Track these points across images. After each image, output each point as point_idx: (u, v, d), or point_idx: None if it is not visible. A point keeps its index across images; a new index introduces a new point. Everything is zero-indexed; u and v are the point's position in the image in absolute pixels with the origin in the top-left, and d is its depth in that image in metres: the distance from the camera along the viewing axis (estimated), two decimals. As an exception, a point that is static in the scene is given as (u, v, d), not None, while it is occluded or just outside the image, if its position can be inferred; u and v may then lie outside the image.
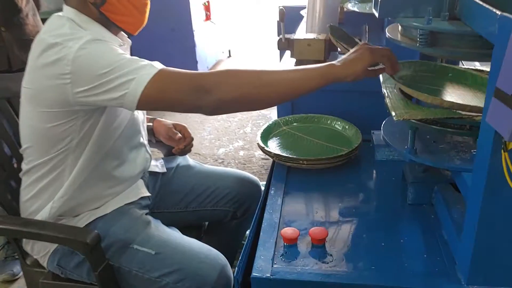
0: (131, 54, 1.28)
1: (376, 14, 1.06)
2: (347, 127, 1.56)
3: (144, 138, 1.38)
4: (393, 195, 1.29)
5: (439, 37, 0.99)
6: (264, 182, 2.28)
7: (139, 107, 1.03)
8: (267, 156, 1.55)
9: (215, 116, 3.59)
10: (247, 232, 1.73)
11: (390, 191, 1.31)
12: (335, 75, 1.03)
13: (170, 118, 1.60)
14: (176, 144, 1.48)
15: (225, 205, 1.50)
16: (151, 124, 1.51)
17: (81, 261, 1.22)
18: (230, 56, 5.17)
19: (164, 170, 1.48)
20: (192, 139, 1.51)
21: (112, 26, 1.18)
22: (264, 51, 5.28)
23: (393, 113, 1.03)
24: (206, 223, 1.64)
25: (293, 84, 1.04)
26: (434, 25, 0.96)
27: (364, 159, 1.46)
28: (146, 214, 1.31)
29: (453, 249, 1.04)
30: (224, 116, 3.59)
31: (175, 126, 1.52)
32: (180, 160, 1.56)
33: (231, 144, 3.19)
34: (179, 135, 1.48)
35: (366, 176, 1.40)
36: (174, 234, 1.28)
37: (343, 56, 1.06)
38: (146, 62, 1.04)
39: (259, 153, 3.03)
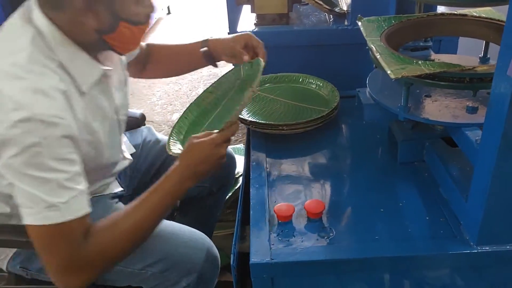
0: None
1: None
2: (321, 84, 1.45)
3: (123, 148, 1.22)
4: (382, 154, 1.23)
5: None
6: (233, 146, 2.19)
7: None
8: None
9: (164, 79, 3.39)
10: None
11: (378, 151, 1.24)
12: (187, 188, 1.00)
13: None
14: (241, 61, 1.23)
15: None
16: (206, 48, 1.26)
17: None
18: (169, 13, 4.87)
19: (133, 150, 1.33)
20: (263, 45, 1.24)
21: (101, 50, 0.97)
22: (206, 7, 5.02)
23: (389, 71, 0.94)
24: (178, 201, 1.52)
25: (156, 221, 0.99)
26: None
27: (344, 118, 1.38)
28: (117, 202, 1.17)
29: (456, 209, 1.00)
30: (173, 78, 3.39)
31: (238, 40, 1.23)
32: (146, 134, 1.41)
33: (185, 108, 3.03)
34: (246, 56, 1.20)
35: (349, 137, 1.32)
36: None
37: (190, 158, 0.99)
38: (67, 199, 0.85)
39: (215, 115, 2.89)
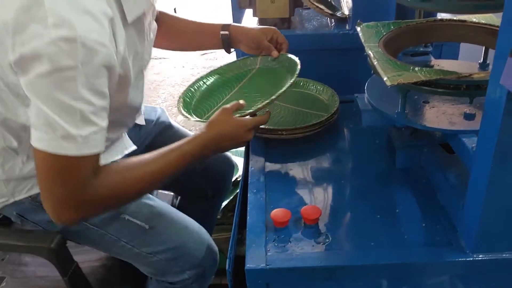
0: None
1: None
2: (321, 89, 1.46)
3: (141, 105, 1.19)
4: (380, 160, 1.22)
5: (432, -11, 0.89)
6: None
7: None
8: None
9: (169, 82, 3.41)
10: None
11: (377, 156, 1.24)
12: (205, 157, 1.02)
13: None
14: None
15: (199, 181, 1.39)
16: (226, 32, 1.27)
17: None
18: (175, 13, 4.88)
19: (143, 122, 1.30)
20: (287, 43, 1.29)
21: None
22: (212, 8, 5.03)
23: (385, 78, 0.94)
24: (177, 201, 1.53)
25: (165, 178, 0.97)
26: (428, -25, 0.86)
27: (343, 123, 1.38)
28: None
29: (453, 216, 0.99)
30: (178, 80, 3.42)
31: (266, 33, 1.27)
32: (160, 114, 1.39)
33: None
34: (276, 52, 1.26)
35: (348, 142, 1.32)
36: (166, 207, 1.15)
37: (219, 132, 1.01)
38: (87, 133, 0.82)
39: (220, 117, 2.90)
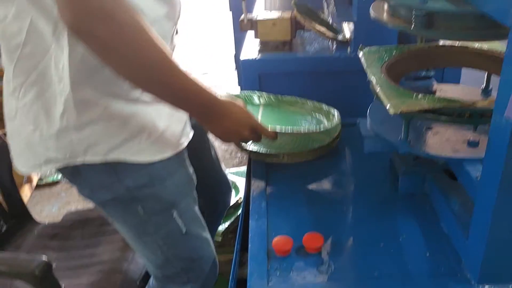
0: None
1: (362, -5, 0.94)
2: (323, 110, 1.45)
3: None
4: (383, 186, 1.21)
5: (435, 17, 0.89)
6: (230, 170, 2.18)
7: None
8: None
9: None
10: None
11: (380, 182, 1.23)
12: (203, 120, 0.96)
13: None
14: None
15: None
16: None
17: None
18: (177, 33, 4.91)
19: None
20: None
21: None
22: (214, 27, 5.07)
23: (388, 105, 0.93)
24: None
25: (169, 84, 0.85)
26: (431, 4, 0.86)
27: (345, 148, 1.37)
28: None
29: (458, 246, 0.98)
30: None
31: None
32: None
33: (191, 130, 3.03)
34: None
35: (351, 167, 1.31)
36: (198, 211, 1.11)
37: (229, 106, 0.98)
38: None
39: (220, 136, 2.90)
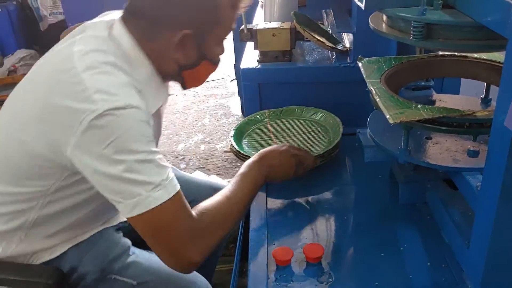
0: None
1: (362, 6, 0.95)
2: (327, 117, 1.47)
3: None
4: (383, 195, 1.21)
5: (434, 28, 0.89)
6: (230, 179, 2.18)
7: (130, 222, 0.88)
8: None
9: (170, 109, 3.42)
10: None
11: (380, 192, 1.23)
12: (267, 180, 1.09)
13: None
14: None
15: None
16: None
17: None
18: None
19: None
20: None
21: (172, 79, 1.01)
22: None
23: (388, 116, 0.93)
24: None
25: (246, 203, 1.02)
26: (429, 16, 0.87)
27: (345, 157, 1.38)
28: (122, 237, 1.15)
29: (458, 255, 0.98)
30: (179, 108, 3.42)
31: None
32: None
33: (191, 139, 3.03)
34: None
35: (351, 177, 1.31)
36: (154, 259, 1.13)
37: (269, 162, 1.09)
38: (166, 177, 0.85)
39: (220, 145, 2.90)
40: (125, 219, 1.16)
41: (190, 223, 0.88)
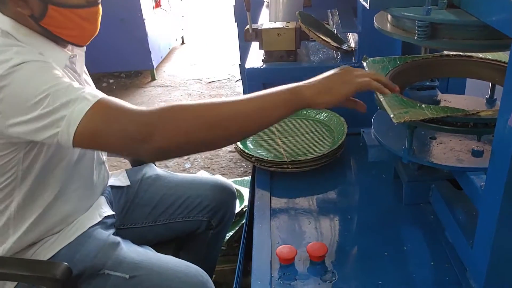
0: (86, 61, 1.13)
1: (367, 5, 0.95)
2: (330, 119, 1.47)
3: (103, 155, 1.23)
4: (387, 195, 1.21)
5: (438, 28, 0.89)
6: (235, 178, 2.19)
7: (76, 146, 0.87)
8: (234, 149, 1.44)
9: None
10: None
11: (384, 192, 1.23)
12: (303, 102, 0.88)
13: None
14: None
15: (197, 215, 1.37)
16: None
17: None
18: (183, 43, 4.97)
19: (128, 183, 1.33)
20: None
21: (58, 39, 1.01)
22: (219, 37, 5.11)
23: (392, 115, 0.93)
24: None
25: (249, 119, 0.87)
26: (434, 15, 0.87)
27: (350, 157, 1.38)
28: (114, 234, 1.17)
29: (462, 255, 0.97)
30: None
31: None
32: (146, 170, 1.41)
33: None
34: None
35: (355, 176, 1.32)
36: (147, 254, 1.16)
37: (316, 78, 0.92)
38: (82, 91, 0.86)
39: (225, 145, 2.90)
40: (111, 213, 1.20)
41: (129, 116, 0.84)
